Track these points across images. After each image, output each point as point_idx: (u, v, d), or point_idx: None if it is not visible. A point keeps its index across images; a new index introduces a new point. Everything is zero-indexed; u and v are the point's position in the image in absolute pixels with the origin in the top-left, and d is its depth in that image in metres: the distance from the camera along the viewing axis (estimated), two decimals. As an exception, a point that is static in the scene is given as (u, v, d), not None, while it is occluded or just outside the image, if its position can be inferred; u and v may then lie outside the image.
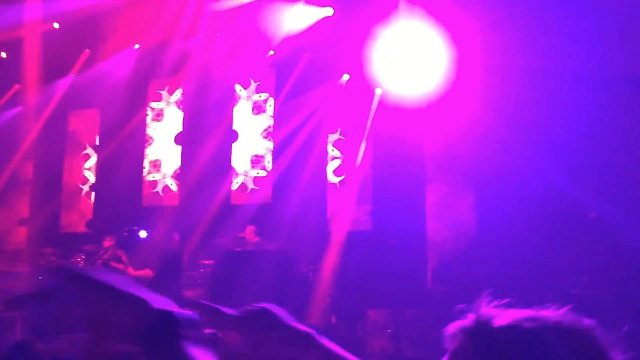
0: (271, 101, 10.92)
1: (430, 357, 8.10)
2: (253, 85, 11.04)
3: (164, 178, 11.30)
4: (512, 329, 0.89)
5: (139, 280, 7.89)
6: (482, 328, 0.91)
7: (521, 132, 8.28)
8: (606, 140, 7.82)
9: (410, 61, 9.20)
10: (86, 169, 11.77)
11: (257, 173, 10.77)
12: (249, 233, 9.17)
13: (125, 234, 8.43)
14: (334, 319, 8.72)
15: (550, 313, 0.93)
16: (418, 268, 9.08)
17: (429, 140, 9.28)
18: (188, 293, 8.82)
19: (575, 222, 8.00)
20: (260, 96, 11.03)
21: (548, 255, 7.95)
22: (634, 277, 7.15)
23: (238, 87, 11.14)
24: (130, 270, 8.07)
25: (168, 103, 11.54)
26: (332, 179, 10.32)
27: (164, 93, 11.52)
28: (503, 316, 0.92)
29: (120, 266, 8.61)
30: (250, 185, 10.76)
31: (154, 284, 7.88)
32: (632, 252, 7.31)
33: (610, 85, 7.79)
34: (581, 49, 7.89)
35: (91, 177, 11.69)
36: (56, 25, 11.02)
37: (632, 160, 7.71)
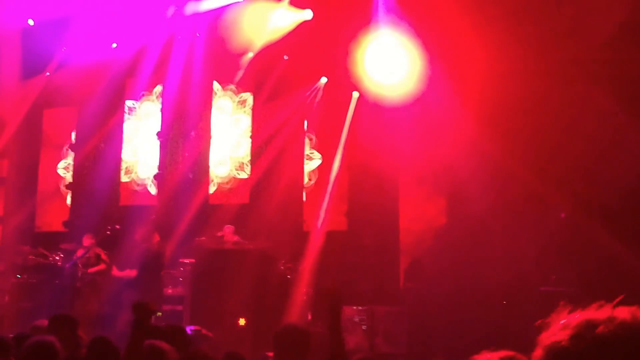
0: (250, 102, 11.07)
1: (403, 351, 8.39)
2: (232, 86, 11.17)
3: (142, 177, 11.36)
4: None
5: (123, 280, 8.00)
6: None
7: (493, 135, 8.58)
8: (577, 141, 8.13)
9: (387, 66, 9.45)
10: (62, 167, 11.75)
11: (237, 173, 10.92)
12: (228, 232, 9.33)
13: (107, 233, 8.50)
14: (309, 316, 8.95)
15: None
16: (391, 267, 9.37)
17: (404, 142, 9.55)
18: (168, 291, 8.95)
19: (546, 221, 8.32)
20: (239, 97, 11.18)
21: (518, 254, 8.26)
22: (602, 274, 7.48)
23: (217, 88, 11.26)
24: (115, 272, 8.14)
25: (146, 102, 11.59)
26: (310, 179, 10.54)
27: (142, 92, 11.56)
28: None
29: (101, 265, 8.68)
30: (228, 185, 10.90)
31: (136, 283, 7.99)
32: (601, 250, 7.67)
33: (581, 84, 8.10)
34: (546, 49, 8.23)
35: (68, 176, 11.67)
36: (31, 22, 10.97)
37: (603, 159, 8.03)
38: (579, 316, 0.98)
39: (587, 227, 7.86)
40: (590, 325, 0.96)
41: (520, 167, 8.33)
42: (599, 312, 0.98)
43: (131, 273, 8.30)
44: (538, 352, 0.99)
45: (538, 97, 8.31)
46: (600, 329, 0.94)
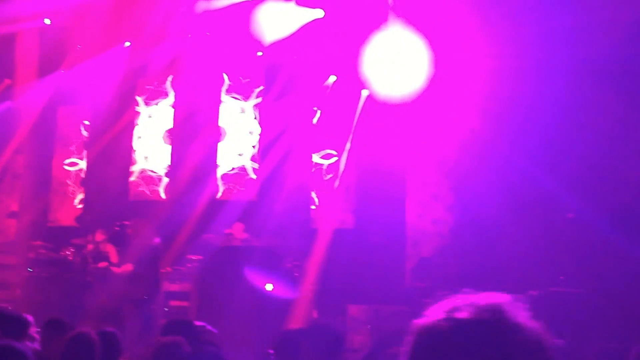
0: (259, 100, 11.14)
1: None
2: (241, 84, 11.24)
3: (153, 174, 11.49)
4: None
5: (123, 275, 8.10)
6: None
7: (500, 133, 8.54)
8: (585, 138, 8.05)
9: (396, 64, 9.45)
10: (76, 163, 11.92)
11: (246, 170, 10.99)
12: (237, 230, 9.40)
13: (116, 229, 8.61)
14: (315, 314, 8.98)
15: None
16: (397, 265, 9.37)
17: (412, 140, 9.55)
18: (175, 287, 9.05)
19: (554, 222, 8.25)
20: (248, 95, 11.24)
21: (526, 254, 8.19)
22: (610, 275, 7.40)
23: (226, 86, 11.33)
24: (115, 269, 8.24)
25: (157, 100, 11.70)
26: (317, 177, 10.57)
27: (153, 91, 11.69)
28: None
29: (111, 260, 8.78)
30: (237, 182, 10.98)
31: (133, 279, 8.13)
32: (608, 250, 7.59)
33: (587, 81, 8.02)
34: (554, 47, 8.16)
35: (80, 172, 11.84)
36: (47, 22, 11.14)
37: (612, 157, 7.94)
38: (449, 301, 1.03)
39: (597, 226, 7.78)
40: (454, 309, 1.01)
41: (528, 165, 8.28)
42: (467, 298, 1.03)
43: (126, 268, 8.43)
44: (408, 338, 1.03)
45: (547, 94, 8.26)
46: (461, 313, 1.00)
